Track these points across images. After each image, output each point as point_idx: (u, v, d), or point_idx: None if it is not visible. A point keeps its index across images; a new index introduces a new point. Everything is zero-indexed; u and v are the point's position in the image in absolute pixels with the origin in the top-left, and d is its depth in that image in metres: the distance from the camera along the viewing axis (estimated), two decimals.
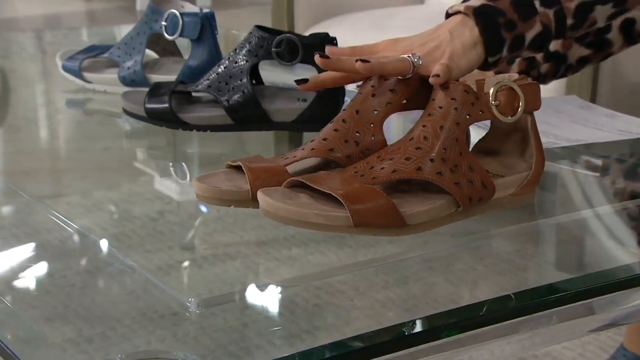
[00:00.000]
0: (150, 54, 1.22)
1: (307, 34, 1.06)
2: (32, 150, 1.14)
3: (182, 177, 1.02)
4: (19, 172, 1.04)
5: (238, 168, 0.80)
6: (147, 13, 1.17)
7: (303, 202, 0.71)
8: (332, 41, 1.02)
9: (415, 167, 0.71)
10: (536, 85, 0.76)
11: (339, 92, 1.03)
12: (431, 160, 0.72)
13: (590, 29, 0.90)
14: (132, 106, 1.05)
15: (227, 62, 1.01)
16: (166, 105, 1.01)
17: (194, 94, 1.05)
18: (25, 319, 0.67)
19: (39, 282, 0.73)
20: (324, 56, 0.83)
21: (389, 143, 0.77)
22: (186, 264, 0.77)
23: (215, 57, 1.14)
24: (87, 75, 1.20)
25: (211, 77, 1.02)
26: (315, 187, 0.71)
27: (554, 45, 1.13)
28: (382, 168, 0.72)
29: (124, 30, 1.82)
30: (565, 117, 1.05)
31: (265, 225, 0.81)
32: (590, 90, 1.51)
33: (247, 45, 1.01)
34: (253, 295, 0.71)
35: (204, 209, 0.94)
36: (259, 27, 1.01)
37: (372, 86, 0.80)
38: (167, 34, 1.15)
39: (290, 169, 0.79)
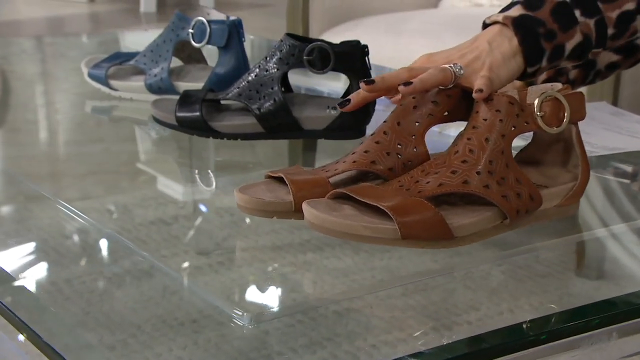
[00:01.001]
0: (175, 61, 1.22)
1: (322, 38, 1.06)
2: (53, 154, 1.14)
3: (203, 183, 1.02)
4: (39, 175, 1.04)
5: (277, 179, 0.80)
6: (174, 20, 1.16)
7: (348, 214, 0.71)
8: (364, 49, 1.01)
9: (462, 180, 0.71)
10: (581, 95, 0.76)
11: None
12: (478, 173, 0.71)
13: (630, 38, 0.89)
14: (163, 114, 1.05)
15: (257, 70, 1.01)
16: (197, 113, 1.01)
17: (223, 101, 1.04)
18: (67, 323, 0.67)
19: (58, 288, 0.73)
20: (369, 82, 0.81)
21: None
22: (203, 269, 0.76)
23: (242, 64, 1.14)
24: (113, 82, 1.19)
25: (242, 85, 1.01)
26: (361, 199, 0.71)
27: None
28: (428, 182, 0.71)
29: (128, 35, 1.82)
30: (597, 124, 1.04)
31: (279, 229, 0.81)
32: (612, 95, 1.50)
33: (278, 54, 1.00)
34: (273, 302, 0.71)
35: (203, 208, 0.94)
36: (289, 35, 1.01)
37: (414, 98, 0.79)
38: (195, 42, 1.14)
39: (331, 180, 0.78)
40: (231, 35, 1.13)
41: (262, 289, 0.74)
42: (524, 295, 0.72)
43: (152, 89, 1.16)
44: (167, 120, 1.04)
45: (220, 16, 1.16)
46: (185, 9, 1.18)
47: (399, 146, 0.78)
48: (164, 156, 1.13)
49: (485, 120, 0.73)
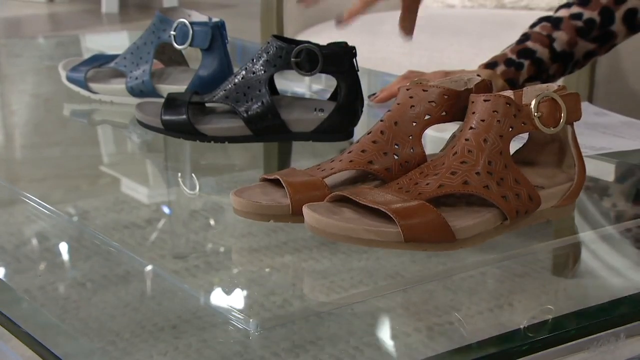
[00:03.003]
0: (156, 63, 1.20)
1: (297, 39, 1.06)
2: (36, 158, 1.11)
3: (179, 185, 1.00)
4: (11, 176, 1.02)
5: (272, 181, 0.79)
6: (155, 22, 1.15)
7: (349, 218, 0.70)
8: (352, 50, 1.01)
9: (462, 181, 0.71)
10: (576, 96, 0.77)
11: (357, 102, 1.02)
12: (477, 173, 0.71)
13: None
14: (148, 118, 1.03)
15: (244, 72, 1.00)
16: (184, 116, 1.00)
17: (209, 104, 1.03)
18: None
19: (32, 296, 0.71)
20: None
21: None
22: (180, 273, 0.75)
23: (225, 66, 1.12)
24: (93, 85, 1.17)
25: (228, 87, 1.00)
26: (362, 202, 0.70)
27: (560, 45, 1.15)
28: (428, 184, 0.71)
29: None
30: (582, 124, 1.05)
31: (256, 232, 0.80)
32: (587, 94, 1.52)
33: (265, 55, 0.99)
34: (253, 306, 0.70)
35: (166, 210, 0.93)
36: (276, 37, 1.00)
37: (411, 97, 0.79)
38: (177, 44, 1.13)
39: (327, 181, 0.78)
40: (214, 37, 1.12)
41: (246, 292, 0.73)
42: (503, 295, 0.72)
43: (133, 91, 1.14)
44: (152, 123, 1.03)
45: (202, 18, 1.15)
46: (166, 10, 1.16)
47: (396, 146, 0.78)
48: (141, 159, 1.12)
49: (483, 121, 0.73)
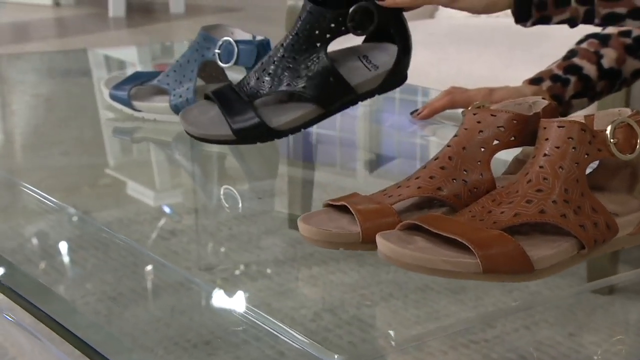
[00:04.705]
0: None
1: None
2: (76, 167, 1.11)
3: (203, 197, 1.00)
4: (47, 186, 1.01)
5: (338, 207, 0.78)
6: (199, 40, 1.14)
7: (423, 247, 0.69)
8: None
9: (538, 210, 0.70)
10: None
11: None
12: (553, 202, 0.70)
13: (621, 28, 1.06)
14: (203, 128, 0.99)
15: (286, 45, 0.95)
16: (256, 119, 0.95)
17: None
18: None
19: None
20: None
21: None
22: (207, 285, 0.74)
23: None
24: (136, 103, 1.16)
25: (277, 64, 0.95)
26: (437, 232, 0.69)
27: (608, 62, 1.14)
28: (502, 212, 0.70)
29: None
30: None
31: (280, 243, 0.79)
32: None
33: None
34: (287, 322, 0.69)
35: (167, 210, 0.92)
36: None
37: (479, 122, 0.78)
38: (222, 62, 1.12)
39: (395, 207, 0.77)
40: (260, 56, 1.10)
41: (275, 306, 0.72)
42: (538, 312, 0.71)
43: (177, 109, 1.13)
44: (211, 132, 0.98)
45: (246, 36, 1.13)
46: (209, 28, 1.15)
47: (464, 172, 0.77)
48: (176, 173, 1.11)
49: (558, 147, 0.72)
